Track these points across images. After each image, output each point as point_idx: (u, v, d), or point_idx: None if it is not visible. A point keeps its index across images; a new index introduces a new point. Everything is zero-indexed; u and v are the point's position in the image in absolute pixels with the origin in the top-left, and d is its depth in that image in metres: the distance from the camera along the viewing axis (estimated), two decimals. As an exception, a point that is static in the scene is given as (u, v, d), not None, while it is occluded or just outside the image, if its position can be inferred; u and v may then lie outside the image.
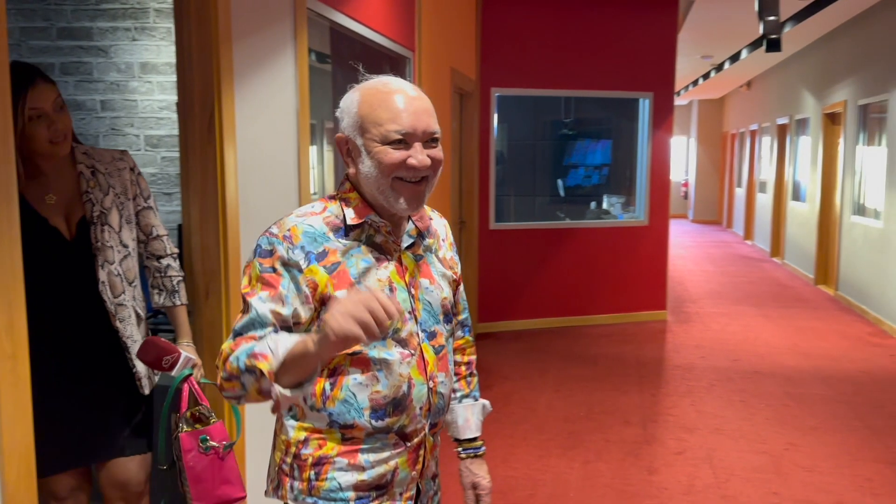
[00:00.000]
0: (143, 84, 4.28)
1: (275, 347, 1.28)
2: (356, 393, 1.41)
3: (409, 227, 1.50)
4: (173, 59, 4.31)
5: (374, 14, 3.62)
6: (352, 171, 1.45)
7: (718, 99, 17.17)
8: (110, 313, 1.96)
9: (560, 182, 7.61)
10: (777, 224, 11.43)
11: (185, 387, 1.94)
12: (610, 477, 3.58)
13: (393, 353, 1.42)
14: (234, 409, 2.11)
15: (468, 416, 1.68)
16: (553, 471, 3.63)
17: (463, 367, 1.71)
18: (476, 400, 1.71)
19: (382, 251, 1.45)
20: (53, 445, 1.90)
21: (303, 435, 1.45)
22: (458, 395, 1.70)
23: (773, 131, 11.75)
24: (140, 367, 2.02)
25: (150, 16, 4.26)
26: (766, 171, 12.21)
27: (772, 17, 7.04)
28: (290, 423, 1.46)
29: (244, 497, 1.96)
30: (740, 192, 14.69)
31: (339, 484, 1.43)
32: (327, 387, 1.42)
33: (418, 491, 1.54)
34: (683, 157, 18.31)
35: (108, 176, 2.01)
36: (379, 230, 1.44)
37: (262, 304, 1.36)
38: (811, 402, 4.67)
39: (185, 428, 1.91)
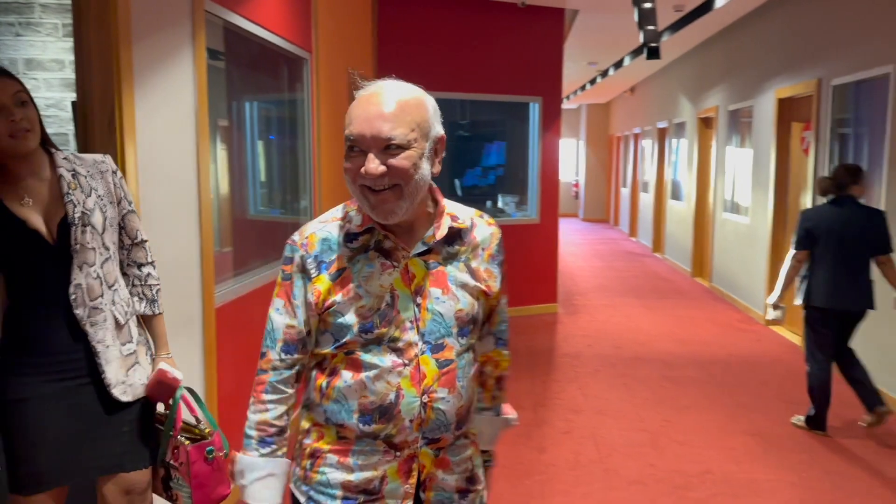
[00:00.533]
0: (28, 81, 4.16)
1: (247, 471, 1.45)
2: (347, 395, 1.41)
3: (428, 233, 1.44)
4: (60, 56, 4.24)
5: (270, 16, 3.69)
6: None
7: (605, 103, 18.00)
8: (79, 318, 1.87)
9: (457, 182, 7.85)
10: (658, 221, 12.17)
11: (180, 403, 2.05)
12: (503, 457, 3.80)
13: (385, 359, 1.39)
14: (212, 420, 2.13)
15: (483, 430, 1.66)
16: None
17: (491, 381, 1.68)
18: (497, 415, 1.70)
19: (389, 257, 1.42)
20: (33, 462, 1.85)
21: (307, 425, 1.49)
22: (480, 406, 1.67)
23: (654, 134, 12.48)
24: (110, 375, 1.92)
25: (36, 11, 4.15)
26: (649, 172, 12.96)
27: (651, 27, 7.53)
28: (303, 412, 1.51)
29: (230, 492, 2.08)
30: (625, 192, 15.51)
31: (329, 480, 1.44)
32: (324, 384, 1.44)
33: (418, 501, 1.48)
34: (574, 158, 19.07)
35: (89, 178, 1.95)
36: (386, 236, 1.42)
37: (278, 316, 1.45)
38: (685, 384, 5.09)
39: (186, 441, 1.99)
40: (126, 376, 1.96)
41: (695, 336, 6.53)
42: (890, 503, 3.35)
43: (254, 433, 1.45)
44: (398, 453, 1.42)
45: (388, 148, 1.31)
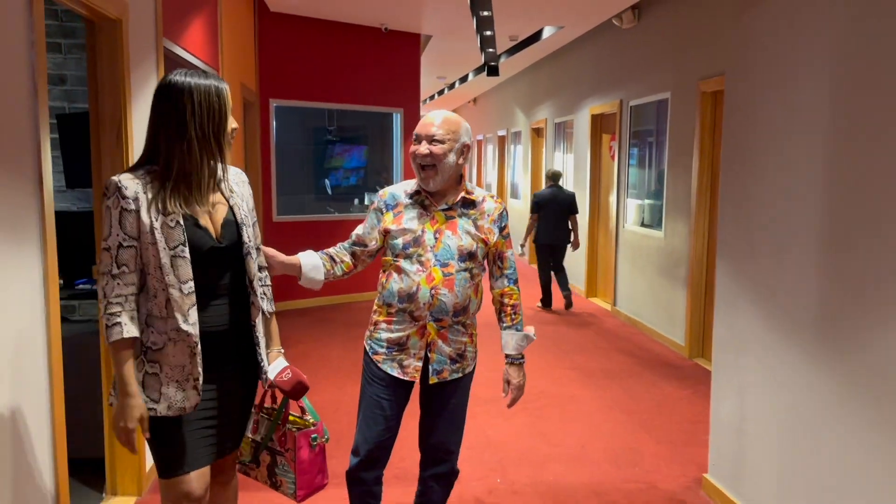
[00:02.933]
0: None
1: (304, 255, 2.47)
2: (393, 286, 2.41)
3: (450, 199, 2.44)
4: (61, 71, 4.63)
5: (196, 41, 4.55)
6: None
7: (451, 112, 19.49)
8: (255, 306, 2.08)
9: (327, 181, 8.81)
10: (500, 218, 13.73)
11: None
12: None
13: (413, 267, 2.38)
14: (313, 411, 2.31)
15: (508, 340, 2.53)
16: (350, 394, 4.85)
17: (508, 308, 2.54)
18: (518, 331, 2.52)
19: (426, 209, 2.44)
20: (201, 441, 2.03)
21: (375, 305, 2.51)
22: (504, 325, 2.54)
23: (495, 141, 14.04)
24: (266, 361, 2.13)
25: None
26: (491, 175, 14.53)
27: (490, 50, 8.94)
28: (377, 297, 2.49)
29: (328, 483, 2.30)
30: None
31: (380, 336, 2.45)
32: (384, 281, 2.45)
33: (427, 358, 2.41)
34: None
35: (238, 186, 2.14)
36: (426, 198, 2.45)
37: (360, 228, 2.53)
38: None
39: (294, 429, 2.19)
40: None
41: (533, 306, 7.95)
42: (665, 402, 4.80)
43: (329, 251, 2.53)
44: (416, 322, 2.40)
45: (432, 141, 2.38)
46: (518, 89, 12.13)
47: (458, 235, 2.41)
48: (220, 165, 2.01)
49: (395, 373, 2.41)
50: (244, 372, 2.13)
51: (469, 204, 2.46)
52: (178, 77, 1.94)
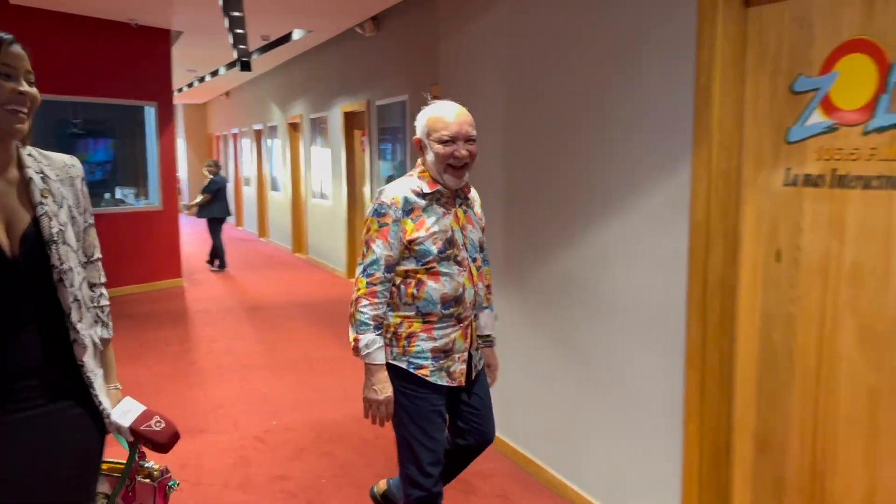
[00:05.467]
0: None
1: (371, 344, 2.25)
2: (432, 294, 2.26)
3: (460, 193, 2.37)
4: None
5: None
6: (422, 159, 2.34)
7: (202, 104, 19.20)
8: (78, 343, 1.59)
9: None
10: (262, 211, 14.06)
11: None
12: (171, 370, 5.27)
13: (454, 269, 2.28)
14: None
15: (486, 321, 2.53)
16: (144, 372, 5.12)
17: (488, 293, 2.52)
18: (491, 311, 2.56)
19: (446, 207, 2.32)
20: None
21: (398, 320, 2.30)
22: (483, 306, 2.47)
23: (251, 135, 14.28)
24: (106, 404, 1.66)
25: None
26: (249, 168, 14.74)
27: (242, 47, 9.30)
28: (390, 314, 2.30)
29: None
30: (229, 187, 17.03)
31: (423, 348, 2.29)
32: (414, 290, 2.26)
33: (469, 357, 2.38)
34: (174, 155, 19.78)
35: (60, 184, 1.64)
36: (443, 195, 2.31)
37: (380, 249, 2.24)
38: (294, 317, 7.06)
39: (146, 479, 1.90)
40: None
41: (298, 291, 8.57)
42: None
43: (371, 322, 2.25)
44: (462, 324, 2.34)
45: (467, 140, 2.28)
46: (272, 85, 12.52)
47: (476, 228, 2.43)
48: None
49: (444, 382, 2.33)
50: (70, 421, 1.58)
51: (468, 195, 2.47)
52: None
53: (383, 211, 2.27)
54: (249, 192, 14.89)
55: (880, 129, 1.97)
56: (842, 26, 2.05)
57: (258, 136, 13.82)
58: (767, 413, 2.35)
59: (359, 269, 2.28)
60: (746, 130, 2.35)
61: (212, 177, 9.96)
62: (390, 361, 2.32)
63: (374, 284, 2.25)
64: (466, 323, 2.36)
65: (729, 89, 2.34)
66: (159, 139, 8.54)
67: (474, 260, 2.37)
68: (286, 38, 9.24)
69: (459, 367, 2.35)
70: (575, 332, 3.12)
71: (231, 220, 16.77)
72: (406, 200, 2.28)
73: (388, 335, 2.33)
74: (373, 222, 2.28)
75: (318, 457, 3.73)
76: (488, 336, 2.56)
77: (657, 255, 2.62)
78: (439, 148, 2.26)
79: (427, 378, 2.30)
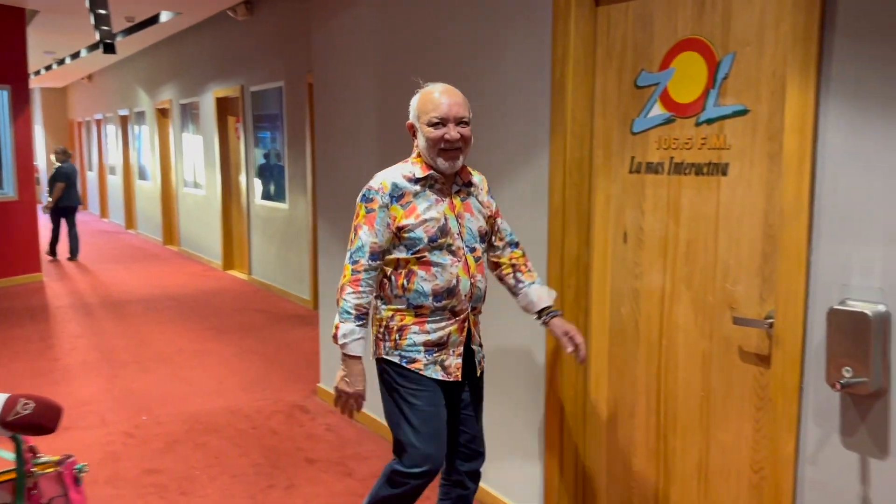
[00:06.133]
0: None
1: (349, 335, 2.15)
2: (423, 285, 2.17)
3: (457, 179, 2.25)
4: None
5: None
6: (416, 143, 2.23)
7: (62, 88, 18.01)
8: None
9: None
10: (128, 201, 13.40)
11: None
12: (30, 368, 4.98)
13: (446, 259, 2.17)
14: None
15: (540, 294, 2.35)
16: (12, 366, 4.82)
17: (524, 267, 2.39)
18: (538, 284, 2.38)
19: (440, 194, 2.21)
20: None
21: (390, 313, 2.23)
22: (526, 283, 2.36)
23: (116, 121, 13.56)
24: None
25: None
26: (114, 156, 13.99)
27: (105, 28, 8.83)
28: (383, 306, 2.24)
29: None
30: (92, 176, 16.12)
31: (415, 341, 2.20)
32: (405, 282, 2.18)
33: (468, 351, 2.27)
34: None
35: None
36: (437, 181, 2.20)
37: (366, 236, 2.16)
38: (165, 310, 6.82)
39: (50, 469, 1.77)
40: None
41: (169, 283, 8.27)
42: (292, 344, 5.68)
43: (353, 311, 2.16)
44: (457, 317, 2.24)
45: (459, 123, 2.17)
46: (139, 69, 11.96)
47: (476, 217, 2.30)
48: None
49: (439, 376, 2.23)
50: None
51: (471, 182, 2.33)
52: None
53: (370, 196, 2.20)
54: (115, 182, 14.14)
55: (709, 121, 2.19)
56: (678, 25, 2.26)
57: (124, 122, 13.16)
58: (618, 381, 2.56)
59: (346, 256, 2.21)
60: (596, 122, 2.54)
61: (59, 164, 9.72)
62: (383, 356, 2.26)
63: (359, 272, 2.17)
64: (463, 317, 2.25)
65: (581, 83, 2.52)
66: (13, 125, 7.98)
67: (473, 250, 2.25)
68: (154, 20, 8.85)
69: (455, 361, 2.25)
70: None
71: (95, 212, 15.88)
72: (395, 186, 2.19)
73: (381, 329, 2.26)
74: (360, 207, 2.21)
75: (192, 449, 3.67)
76: (547, 308, 2.36)
77: (524, 237, 2.78)
78: (429, 131, 2.17)
79: (421, 372, 2.21)
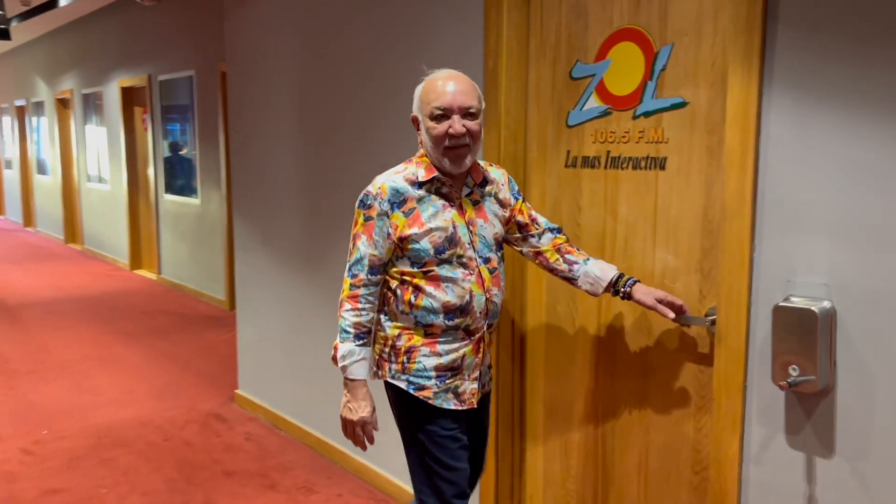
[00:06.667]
0: None
1: (348, 356, 1.93)
2: (430, 302, 1.91)
3: (468, 180, 1.97)
4: None
5: None
6: (420, 140, 1.95)
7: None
8: None
9: None
10: (27, 197, 12.57)
11: None
12: None
13: (457, 272, 1.91)
14: None
15: (601, 267, 2.03)
16: None
17: (572, 249, 2.09)
18: (594, 260, 2.06)
19: (448, 199, 1.93)
20: None
21: (396, 331, 1.96)
22: (581, 261, 2.05)
23: (12, 112, 12.70)
24: None
25: None
26: (11, 149, 13.10)
27: (0, 12, 8.22)
28: (388, 323, 1.98)
29: None
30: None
31: (425, 365, 1.94)
32: (412, 297, 1.92)
33: (479, 374, 2.02)
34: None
35: None
36: (444, 184, 1.93)
37: (364, 247, 1.92)
38: (67, 313, 6.38)
39: None
40: None
41: (71, 284, 7.77)
42: (207, 347, 5.40)
43: (351, 330, 1.93)
44: (472, 337, 1.98)
45: (466, 115, 1.88)
46: (37, 56, 11.23)
47: (490, 223, 2.02)
48: None
49: (451, 405, 1.97)
50: None
51: (485, 180, 2.05)
52: None
53: (368, 202, 1.94)
54: (11, 176, 13.24)
55: (647, 114, 2.13)
56: (613, 15, 2.19)
57: (21, 112, 12.33)
58: (554, 380, 2.48)
59: (346, 267, 1.98)
60: (530, 115, 2.45)
61: None
62: (388, 380, 2.01)
63: (357, 287, 1.94)
64: (478, 336, 2.00)
65: (514, 75, 2.42)
66: None
67: (487, 261, 1.98)
68: (52, 4, 8.27)
69: (470, 387, 2.01)
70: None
71: (18, 220, 14.84)
72: (395, 191, 1.92)
73: (387, 349, 2.01)
74: (358, 214, 1.96)
75: (98, 465, 3.39)
76: (621, 277, 2.02)
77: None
78: (432, 125, 1.89)
79: (430, 401, 1.96)
